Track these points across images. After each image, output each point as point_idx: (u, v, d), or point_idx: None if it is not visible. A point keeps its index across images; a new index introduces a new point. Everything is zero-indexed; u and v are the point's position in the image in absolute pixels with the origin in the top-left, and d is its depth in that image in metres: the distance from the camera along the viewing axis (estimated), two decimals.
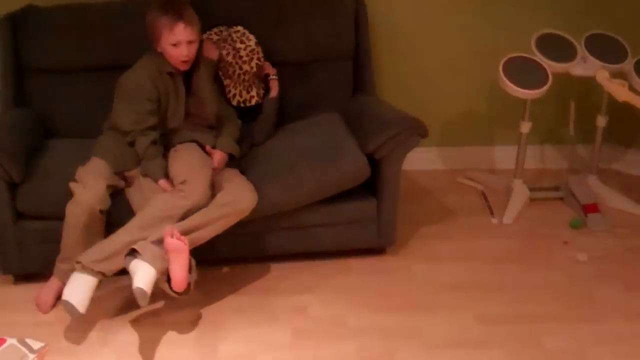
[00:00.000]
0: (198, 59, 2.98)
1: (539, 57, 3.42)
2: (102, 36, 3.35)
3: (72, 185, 2.77)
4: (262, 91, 3.33)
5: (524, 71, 3.37)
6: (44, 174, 2.93)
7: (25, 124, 3.19)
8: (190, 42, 2.87)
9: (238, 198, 2.77)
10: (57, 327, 2.73)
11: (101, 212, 2.76)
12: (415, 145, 3.04)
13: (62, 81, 3.37)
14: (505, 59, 3.41)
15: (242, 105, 3.29)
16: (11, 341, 2.36)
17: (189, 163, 2.86)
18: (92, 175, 2.78)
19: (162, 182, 2.82)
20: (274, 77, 3.33)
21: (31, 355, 2.35)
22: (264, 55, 3.35)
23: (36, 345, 2.39)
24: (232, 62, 3.25)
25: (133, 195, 2.86)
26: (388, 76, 3.72)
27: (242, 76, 3.26)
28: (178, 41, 2.83)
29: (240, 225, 2.82)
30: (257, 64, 3.26)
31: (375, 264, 3.16)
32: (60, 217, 2.83)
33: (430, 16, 3.83)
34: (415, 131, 3.00)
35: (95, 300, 2.85)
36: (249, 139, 3.23)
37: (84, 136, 3.26)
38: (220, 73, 3.25)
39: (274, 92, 3.33)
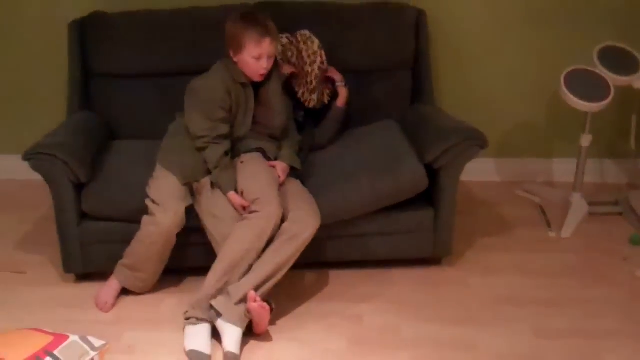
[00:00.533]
0: (271, 72, 3.02)
1: (601, 70, 3.37)
2: (166, 43, 3.43)
3: (150, 205, 2.84)
4: (325, 96, 3.35)
5: (585, 84, 3.33)
6: (109, 176, 3.01)
7: (91, 126, 3.28)
8: (270, 57, 2.93)
9: (303, 227, 2.80)
10: (117, 327, 2.79)
11: (177, 234, 2.86)
12: (475, 156, 3.02)
13: (127, 86, 3.46)
14: (567, 71, 3.37)
15: (300, 105, 3.33)
16: (73, 338, 2.41)
17: (260, 177, 2.90)
18: (171, 199, 2.84)
19: (232, 195, 2.86)
20: (340, 83, 3.35)
21: (93, 353, 2.40)
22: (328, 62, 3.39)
23: (98, 343, 2.44)
24: (295, 64, 3.29)
25: (200, 210, 2.90)
26: (447, 86, 3.72)
27: (304, 78, 3.29)
28: (262, 55, 2.88)
29: None
30: (319, 67, 3.27)
31: (431, 275, 3.15)
32: (124, 220, 2.94)
33: (490, 26, 3.81)
34: (474, 142, 2.99)
35: (155, 300, 2.94)
36: (310, 143, 3.27)
37: (147, 138, 3.34)
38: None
39: (341, 100, 3.35)
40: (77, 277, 3.10)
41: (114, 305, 2.92)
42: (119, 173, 3.04)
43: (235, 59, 2.94)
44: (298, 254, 2.80)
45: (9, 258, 3.26)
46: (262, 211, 2.76)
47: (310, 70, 3.27)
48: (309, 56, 3.28)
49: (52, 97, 3.87)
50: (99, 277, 3.04)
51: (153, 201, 2.85)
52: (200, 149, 2.93)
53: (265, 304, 2.65)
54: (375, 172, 3.02)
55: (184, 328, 2.70)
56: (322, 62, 3.29)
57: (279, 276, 2.76)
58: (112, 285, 2.95)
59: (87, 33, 3.43)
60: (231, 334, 2.62)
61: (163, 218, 2.80)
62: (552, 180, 4.09)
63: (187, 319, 2.71)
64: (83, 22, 3.44)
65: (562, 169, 4.02)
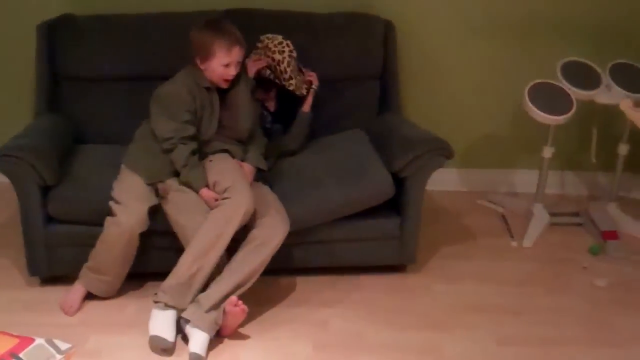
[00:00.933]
0: (238, 76, 3.04)
1: (564, 84, 3.46)
2: (135, 47, 3.44)
3: (113, 206, 2.85)
4: (303, 88, 3.38)
5: (549, 97, 3.42)
6: (76, 179, 3.01)
7: (57, 129, 3.26)
8: (238, 63, 2.97)
9: (272, 234, 2.83)
10: (83, 329, 2.77)
11: (140, 234, 2.86)
12: (441, 166, 3.08)
13: (94, 89, 3.46)
14: (531, 84, 3.46)
15: (267, 110, 3.39)
16: (39, 341, 2.39)
17: (230, 170, 2.93)
18: (134, 198, 2.85)
19: (204, 191, 2.88)
20: (314, 88, 3.38)
21: (58, 356, 2.38)
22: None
23: (64, 346, 2.42)
24: (262, 54, 3.33)
25: (170, 208, 2.90)
26: (413, 96, 3.78)
27: (277, 67, 3.30)
28: (231, 62, 2.93)
29: None
30: (289, 54, 3.29)
31: (395, 282, 3.19)
32: (90, 223, 2.92)
33: (457, 39, 3.89)
34: (440, 152, 3.05)
35: (120, 304, 2.93)
36: (278, 149, 3.30)
37: (113, 143, 3.34)
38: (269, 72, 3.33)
39: (307, 105, 3.39)
40: (42, 281, 3.08)
41: (79, 309, 2.90)
42: (85, 176, 3.04)
43: (202, 67, 2.97)
44: (268, 260, 2.82)
45: None
46: (233, 197, 2.79)
47: (281, 58, 3.28)
48: (275, 46, 3.31)
49: (17, 100, 3.85)
50: (63, 281, 3.02)
51: (116, 201, 2.85)
52: (167, 151, 2.94)
53: (245, 307, 2.69)
54: (343, 179, 3.06)
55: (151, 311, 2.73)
56: (291, 51, 3.31)
57: (249, 284, 2.78)
58: (78, 289, 2.93)
59: (55, 35, 3.41)
60: (198, 337, 2.64)
61: (125, 218, 2.80)
62: (514, 190, 4.18)
63: (156, 302, 2.72)
64: (51, 25, 3.43)
65: (524, 179, 4.10)
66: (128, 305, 2.95)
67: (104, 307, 2.93)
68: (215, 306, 2.69)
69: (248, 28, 3.38)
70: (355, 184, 3.04)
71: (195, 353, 2.59)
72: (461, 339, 2.81)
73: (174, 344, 2.67)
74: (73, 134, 3.37)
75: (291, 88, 3.32)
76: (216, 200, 2.85)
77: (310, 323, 2.88)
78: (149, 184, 2.92)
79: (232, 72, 2.95)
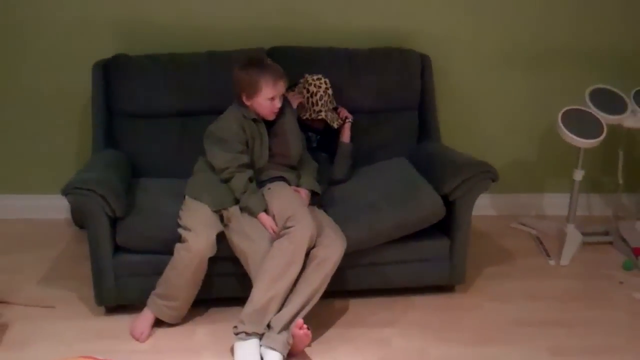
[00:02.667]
0: (282, 106, 3.21)
1: (593, 110, 3.66)
2: (185, 84, 3.58)
3: (183, 232, 2.96)
4: (336, 121, 3.52)
5: (580, 122, 3.61)
6: (142, 210, 3.12)
7: (118, 163, 3.39)
8: (282, 95, 3.17)
9: (331, 251, 2.96)
10: (156, 355, 2.88)
11: (209, 259, 2.99)
12: (487, 188, 3.25)
13: (148, 125, 3.59)
14: (563, 110, 3.65)
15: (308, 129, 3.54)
16: None
17: (290, 199, 3.07)
18: (202, 224, 2.98)
19: (263, 216, 3.01)
20: (349, 121, 3.55)
21: None
22: (339, 104, 3.60)
23: None
24: (302, 92, 3.50)
25: (233, 235, 3.02)
26: (447, 125, 3.94)
27: (310, 100, 3.46)
28: (276, 95, 3.11)
29: None
30: (325, 90, 3.46)
31: (446, 301, 3.32)
32: (157, 252, 3.04)
33: (488, 71, 4.10)
34: (487, 175, 3.21)
35: (188, 330, 3.03)
36: (327, 175, 3.46)
37: (166, 176, 3.49)
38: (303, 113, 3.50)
39: (345, 136, 3.55)
40: (106, 310, 3.17)
41: (149, 335, 3.01)
42: (150, 207, 3.16)
43: (248, 102, 3.14)
44: (329, 278, 2.96)
45: (35, 294, 3.31)
46: (296, 225, 2.92)
47: (315, 90, 3.45)
48: (313, 80, 3.48)
49: (76, 136, 4.03)
50: (128, 310, 3.14)
51: (185, 228, 2.97)
52: (226, 180, 3.10)
53: (309, 331, 2.80)
54: (396, 202, 3.21)
55: (232, 346, 2.84)
56: (327, 88, 3.48)
57: (314, 301, 2.91)
58: (147, 316, 3.03)
59: (110, 74, 3.57)
60: (272, 357, 2.75)
61: (195, 243, 2.92)
62: (543, 213, 4.36)
63: (237, 334, 2.82)
64: (107, 64, 3.59)
65: (552, 202, 4.31)
66: (196, 330, 3.05)
67: (173, 333, 3.03)
68: (286, 327, 2.82)
69: (291, 64, 3.57)
70: (407, 206, 3.18)
71: None
72: (517, 351, 2.94)
73: None
74: (130, 168, 3.49)
75: (321, 116, 3.47)
76: (274, 230, 2.99)
77: (372, 342, 3.00)
78: (214, 211, 3.06)
79: (277, 104, 3.14)
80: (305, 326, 2.81)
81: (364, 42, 3.82)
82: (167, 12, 3.85)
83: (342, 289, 3.25)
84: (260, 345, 2.80)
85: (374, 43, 3.83)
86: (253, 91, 3.10)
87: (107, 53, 3.65)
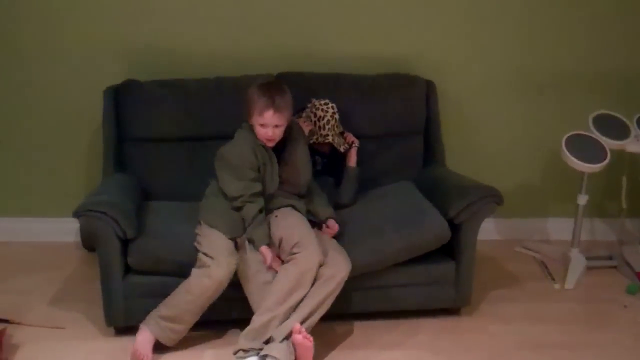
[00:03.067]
0: (291, 133, 3.25)
1: (596, 135, 3.71)
2: (194, 109, 3.65)
3: (204, 258, 3.00)
4: (342, 145, 3.60)
5: (584, 147, 3.66)
6: (153, 232, 3.16)
7: (129, 186, 3.44)
8: (276, 126, 3.11)
9: (337, 270, 3.01)
10: None
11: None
12: (493, 212, 3.30)
13: (158, 149, 3.65)
14: (567, 135, 3.70)
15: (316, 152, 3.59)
16: None
17: (297, 225, 3.11)
18: (225, 252, 3.01)
19: (264, 249, 3.03)
20: (355, 146, 3.61)
21: None
22: (345, 129, 3.66)
23: None
24: (310, 117, 3.57)
25: (240, 262, 3.06)
26: (451, 150, 3.99)
27: (317, 125, 3.54)
28: (265, 124, 3.08)
29: None
30: (332, 115, 3.53)
31: (452, 324, 3.35)
32: (168, 274, 3.08)
33: (492, 96, 4.17)
34: (492, 199, 3.26)
35: (196, 353, 3.06)
36: (332, 202, 3.48)
37: (177, 199, 3.54)
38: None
39: (352, 160, 3.60)
40: (116, 331, 3.20)
41: (152, 358, 3.02)
42: (161, 230, 3.20)
43: (251, 122, 3.16)
44: (334, 296, 2.99)
45: (45, 315, 3.35)
46: (303, 252, 2.97)
47: (322, 114, 3.52)
48: (320, 105, 3.55)
49: (86, 160, 4.09)
50: (137, 331, 3.13)
51: (206, 255, 3.00)
52: (238, 209, 3.13)
53: (309, 336, 2.84)
54: (401, 225, 3.25)
55: None
56: (334, 113, 3.55)
57: (317, 316, 2.95)
58: (147, 338, 3.02)
59: (121, 99, 3.64)
60: None
61: (218, 271, 2.95)
62: (547, 237, 4.40)
63: (235, 353, 2.86)
64: (117, 89, 3.66)
65: (556, 227, 4.34)
66: (204, 353, 3.08)
67: (181, 356, 3.06)
68: (288, 336, 2.85)
69: (298, 90, 3.63)
70: (413, 230, 3.22)
71: None
72: None
73: None
74: (141, 191, 3.54)
75: (328, 140, 3.53)
76: (271, 266, 3.02)
77: None
78: (230, 239, 3.10)
79: (268, 133, 3.08)
80: (303, 329, 2.84)
81: (370, 68, 3.89)
82: (177, 39, 3.93)
83: (348, 312, 3.28)
84: (260, 356, 2.82)
85: (380, 69, 3.90)
86: (248, 112, 3.13)
87: (118, 79, 3.72)
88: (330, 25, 3.98)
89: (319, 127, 3.52)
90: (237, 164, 3.15)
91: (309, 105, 3.60)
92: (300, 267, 2.95)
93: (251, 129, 3.16)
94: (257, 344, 2.86)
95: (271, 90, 3.11)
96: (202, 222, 3.17)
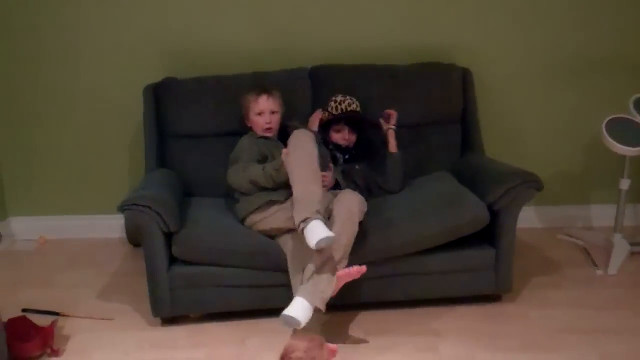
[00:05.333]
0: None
1: (638, 118, 3.67)
2: (232, 104, 3.67)
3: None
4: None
5: (625, 130, 3.62)
6: (196, 222, 3.25)
7: (170, 181, 3.52)
8: (272, 112, 3.39)
9: (347, 201, 3.12)
10: None
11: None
12: (532, 198, 3.28)
13: (197, 145, 3.72)
14: (607, 119, 3.66)
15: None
16: None
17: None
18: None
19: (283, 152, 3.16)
20: (392, 127, 3.62)
21: None
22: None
23: None
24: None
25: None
26: (489, 137, 3.98)
27: (337, 105, 3.61)
28: (262, 110, 3.36)
29: (369, 269, 3.06)
30: (351, 103, 3.60)
31: (493, 310, 3.35)
32: (211, 263, 3.16)
33: (529, 82, 4.15)
34: (531, 184, 3.25)
35: (238, 341, 3.13)
36: (384, 188, 3.59)
37: (217, 194, 3.60)
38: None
39: (392, 147, 3.61)
40: (162, 321, 3.28)
41: None
42: (204, 220, 3.28)
43: (249, 125, 3.45)
44: (352, 223, 3.07)
45: (94, 307, 3.45)
46: (340, 196, 3.18)
47: (342, 99, 3.60)
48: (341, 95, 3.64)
49: (129, 157, 4.21)
50: (183, 321, 3.26)
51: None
52: (245, 182, 3.27)
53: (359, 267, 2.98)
54: (440, 208, 3.27)
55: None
56: (352, 102, 3.61)
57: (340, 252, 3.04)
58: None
59: (160, 97, 3.72)
60: (300, 303, 2.88)
61: None
62: (589, 224, 4.36)
63: (298, 227, 2.94)
64: (156, 87, 3.74)
65: (598, 213, 4.31)
66: (245, 341, 3.13)
67: (228, 342, 3.12)
68: (309, 278, 2.95)
69: (334, 83, 3.72)
70: (452, 212, 3.24)
71: (289, 316, 2.83)
72: (567, 357, 2.95)
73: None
74: (182, 186, 3.61)
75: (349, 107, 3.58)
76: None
77: (420, 349, 3.04)
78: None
79: (266, 119, 3.39)
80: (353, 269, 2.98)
81: (406, 58, 3.91)
82: (214, 36, 4.01)
83: (389, 299, 3.32)
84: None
85: (416, 58, 3.92)
86: (246, 111, 3.44)
87: (157, 77, 3.80)
88: (365, 16, 4.01)
89: (338, 102, 3.59)
90: (236, 156, 3.38)
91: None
92: (344, 202, 3.09)
93: (251, 132, 3.46)
94: (310, 212, 2.94)
95: (260, 84, 3.51)
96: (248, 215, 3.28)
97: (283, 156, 3.12)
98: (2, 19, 3.99)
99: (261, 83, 3.49)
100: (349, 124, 3.59)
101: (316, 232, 2.86)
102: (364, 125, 3.63)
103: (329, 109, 3.62)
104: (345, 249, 3.03)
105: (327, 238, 2.85)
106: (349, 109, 3.57)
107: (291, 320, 2.84)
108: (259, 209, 3.24)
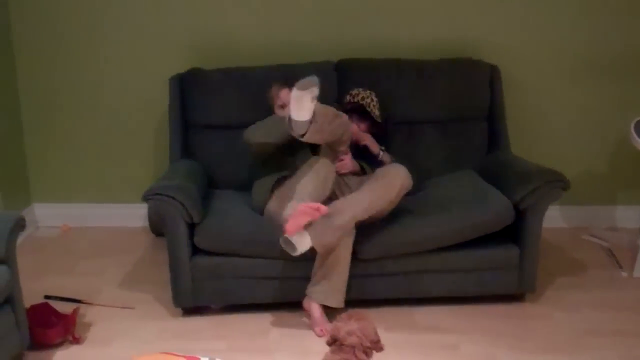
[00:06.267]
0: None
1: None
2: (257, 97, 3.67)
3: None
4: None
5: None
6: (219, 212, 3.26)
7: (195, 172, 3.52)
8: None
9: (392, 173, 3.14)
10: (227, 354, 2.94)
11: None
12: (558, 197, 3.24)
13: (222, 136, 3.72)
14: (636, 119, 3.60)
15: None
16: (204, 359, 2.62)
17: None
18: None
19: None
20: (382, 149, 3.55)
21: None
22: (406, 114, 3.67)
23: None
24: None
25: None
26: (515, 135, 3.94)
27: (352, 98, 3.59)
28: (284, 103, 3.34)
29: (391, 264, 3.07)
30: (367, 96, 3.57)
31: (516, 310, 3.33)
32: (233, 254, 3.16)
33: (557, 81, 4.10)
34: (558, 184, 3.21)
35: (261, 332, 3.13)
36: None
37: (240, 186, 3.60)
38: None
39: (375, 149, 3.54)
40: (184, 311, 3.29)
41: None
42: (227, 211, 3.29)
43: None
44: (391, 192, 3.09)
45: (116, 295, 3.47)
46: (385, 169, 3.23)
47: (356, 92, 3.58)
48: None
49: (153, 147, 4.21)
50: (204, 312, 3.27)
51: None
52: (260, 126, 3.34)
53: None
54: (466, 204, 3.27)
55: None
56: (366, 96, 3.58)
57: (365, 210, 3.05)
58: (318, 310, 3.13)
59: (186, 87, 3.72)
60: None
61: None
62: (614, 225, 4.30)
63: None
64: (182, 78, 3.74)
65: (624, 215, 4.26)
66: (268, 333, 3.13)
67: (249, 333, 3.13)
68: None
69: (360, 76, 3.70)
70: (477, 207, 3.23)
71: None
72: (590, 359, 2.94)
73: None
74: (206, 177, 3.62)
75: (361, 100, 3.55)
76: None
77: (441, 347, 3.02)
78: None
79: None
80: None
81: (433, 53, 3.88)
82: (239, 28, 4.01)
83: (412, 296, 3.31)
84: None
85: (443, 54, 3.89)
86: (272, 102, 3.46)
87: (183, 67, 3.81)
88: (391, 10, 3.98)
89: (354, 95, 3.57)
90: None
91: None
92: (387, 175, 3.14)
93: None
94: None
95: (286, 77, 3.49)
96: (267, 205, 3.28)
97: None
98: (30, 7, 4.01)
99: (288, 75, 3.46)
100: (357, 114, 3.57)
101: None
102: (372, 118, 3.59)
103: (344, 100, 3.60)
104: (358, 211, 3.02)
105: (290, 245, 2.90)
106: (361, 102, 3.55)
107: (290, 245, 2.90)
108: (272, 193, 3.26)
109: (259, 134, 3.30)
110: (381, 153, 3.51)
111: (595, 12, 4.00)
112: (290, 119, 2.92)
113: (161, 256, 3.51)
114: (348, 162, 3.36)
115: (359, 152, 3.49)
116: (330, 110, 3.05)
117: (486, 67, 3.82)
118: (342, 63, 3.82)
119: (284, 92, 3.40)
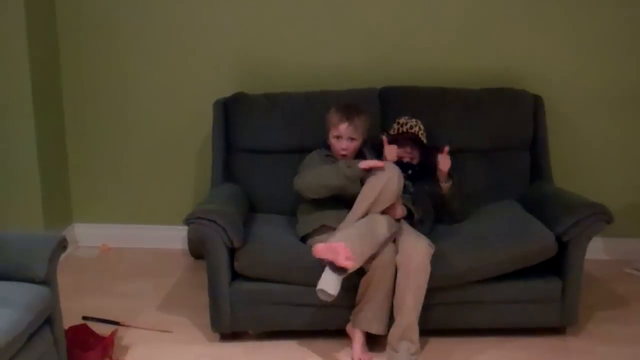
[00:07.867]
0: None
1: None
2: (301, 122, 3.72)
3: None
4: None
5: None
6: (260, 238, 3.25)
7: (237, 196, 3.54)
8: (351, 139, 3.36)
9: (412, 252, 3.04)
10: None
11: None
12: (601, 230, 3.20)
13: (264, 160, 3.74)
14: None
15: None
16: None
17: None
18: None
19: (364, 162, 3.14)
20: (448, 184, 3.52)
21: None
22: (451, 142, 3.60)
23: None
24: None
25: None
26: (559, 166, 3.91)
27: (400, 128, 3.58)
28: (340, 135, 3.34)
29: (432, 296, 3.05)
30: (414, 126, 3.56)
31: (557, 343, 3.27)
32: (273, 280, 3.15)
33: (600, 111, 4.07)
34: (601, 216, 3.17)
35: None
36: (450, 219, 3.53)
37: (283, 211, 3.62)
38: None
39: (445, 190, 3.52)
40: (221, 337, 3.28)
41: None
42: (268, 236, 3.29)
43: (328, 142, 3.41)
44: (421, 280, 3.01)
45: (154, 318, 3.48)
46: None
47: (405, 121, 3.57)
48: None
49: (196, 171, 4.25)
50: (241, 337, 3.26)
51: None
52: (313, 178, 3.27)
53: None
54: (507, 236, 3.23)
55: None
56: (414, 126, 3.56)
57: (410, 307, 3.00)
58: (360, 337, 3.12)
59: (229, 112, 3.76)
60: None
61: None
62: None
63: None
64: (226, 102, 3.78)
65: None
66: (306, 359, 3.13)
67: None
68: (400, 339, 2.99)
69: (403, 104, 3.69)
70: (520, 239, 3.19)
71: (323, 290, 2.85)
72: None
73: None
74: (248, 202, 3.63)
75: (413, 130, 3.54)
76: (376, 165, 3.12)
77: None
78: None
79: (343, 145, 3.38)
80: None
81: (476, 83, 3.87)
82: (284, 53, 4.04)
83: (453, 327, 3.27)
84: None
85: (486, 83, 3.87)
86: (328, 129, 3.42)
87: (227, 91, 3.85)
88: (435, 39, 4.00)
89: (401, 124, 3.57)
90: (306, 166, 3.40)
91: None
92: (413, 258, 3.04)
93: (327, 147, 3.45)
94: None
95: (349, 107, 3.42)
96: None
97: (365, 164, 3.11)
98: (78, 29, 4.10)
99: (349, 106, 3.41)
100: (408, 142, 3.56)
101: (327, 279, 2.87)
102: (423, 146, 3.58)
103: (392, 131, 3.59)
104: (412, 311, 3.00)
105: (326, 293, 2.85)
106: (410, 131, 3.54)
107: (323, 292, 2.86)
108: (316, 231, 3.24)
109: (313, 185, 3.27)
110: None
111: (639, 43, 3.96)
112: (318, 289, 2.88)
113: (200, 279, 3.52)
114: (399, 210, 3.26)
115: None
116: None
117: (530, 97, 3.80)
118: (386, 90, 3.83)
119: (343, 126, 3.35)
